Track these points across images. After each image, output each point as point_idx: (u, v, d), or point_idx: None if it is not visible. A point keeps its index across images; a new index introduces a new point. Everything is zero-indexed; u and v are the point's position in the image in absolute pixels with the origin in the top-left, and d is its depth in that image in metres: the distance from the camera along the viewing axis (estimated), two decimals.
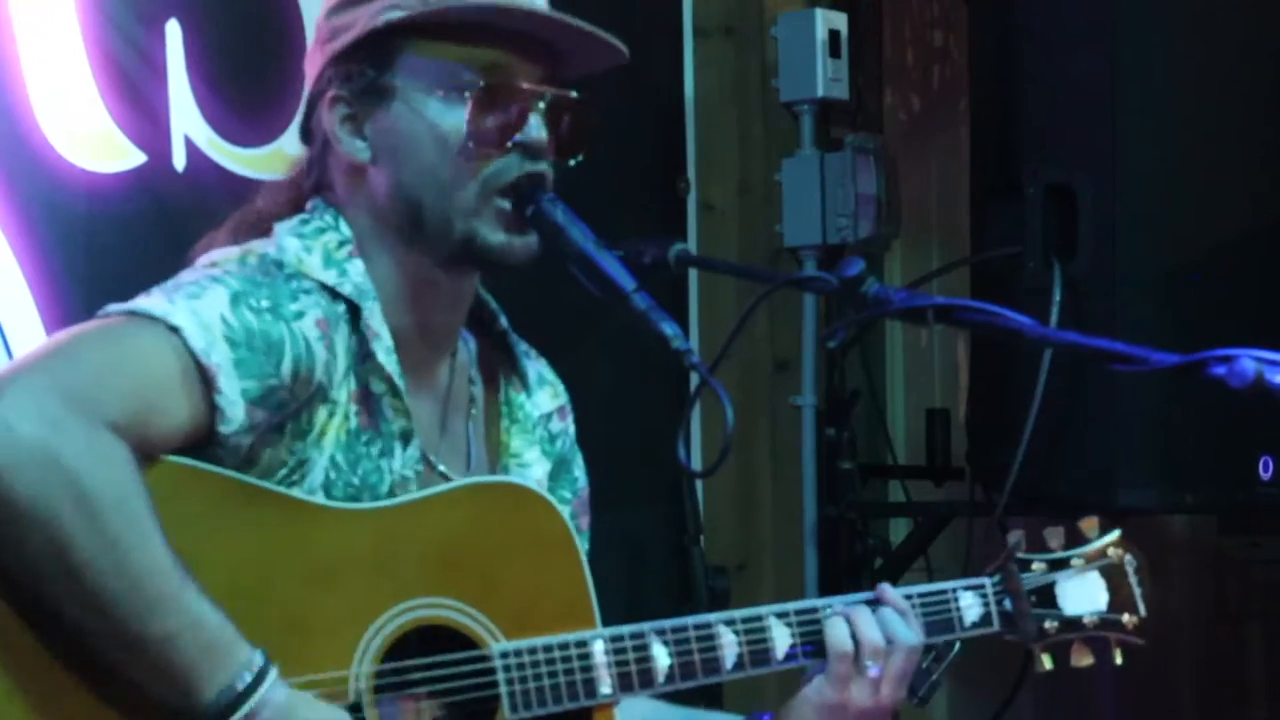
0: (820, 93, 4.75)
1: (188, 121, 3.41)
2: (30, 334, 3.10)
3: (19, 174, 3.16)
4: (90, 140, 3.26)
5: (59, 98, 3.22)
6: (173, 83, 3.39)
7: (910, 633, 2.45)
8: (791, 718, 2.45)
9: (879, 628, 2.44)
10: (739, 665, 2.39)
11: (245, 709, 2.06)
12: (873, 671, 2.42)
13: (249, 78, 3.48)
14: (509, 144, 2.31)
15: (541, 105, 2.33)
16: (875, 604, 2.47)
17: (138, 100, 3.34)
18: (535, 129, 2.32)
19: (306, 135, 2.43)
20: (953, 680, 4.17)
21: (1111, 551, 2.61)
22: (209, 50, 3.43)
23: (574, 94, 2.37)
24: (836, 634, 2.43)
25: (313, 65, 2.39)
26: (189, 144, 3.40)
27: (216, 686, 2.05)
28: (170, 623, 2.04)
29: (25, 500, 1.99)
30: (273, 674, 2.09)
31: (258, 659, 2.08)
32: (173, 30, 3.39)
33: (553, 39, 2.35)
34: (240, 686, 2.06)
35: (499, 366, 2.51)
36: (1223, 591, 5.37)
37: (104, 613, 2.02)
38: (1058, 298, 3.91)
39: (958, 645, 2.56)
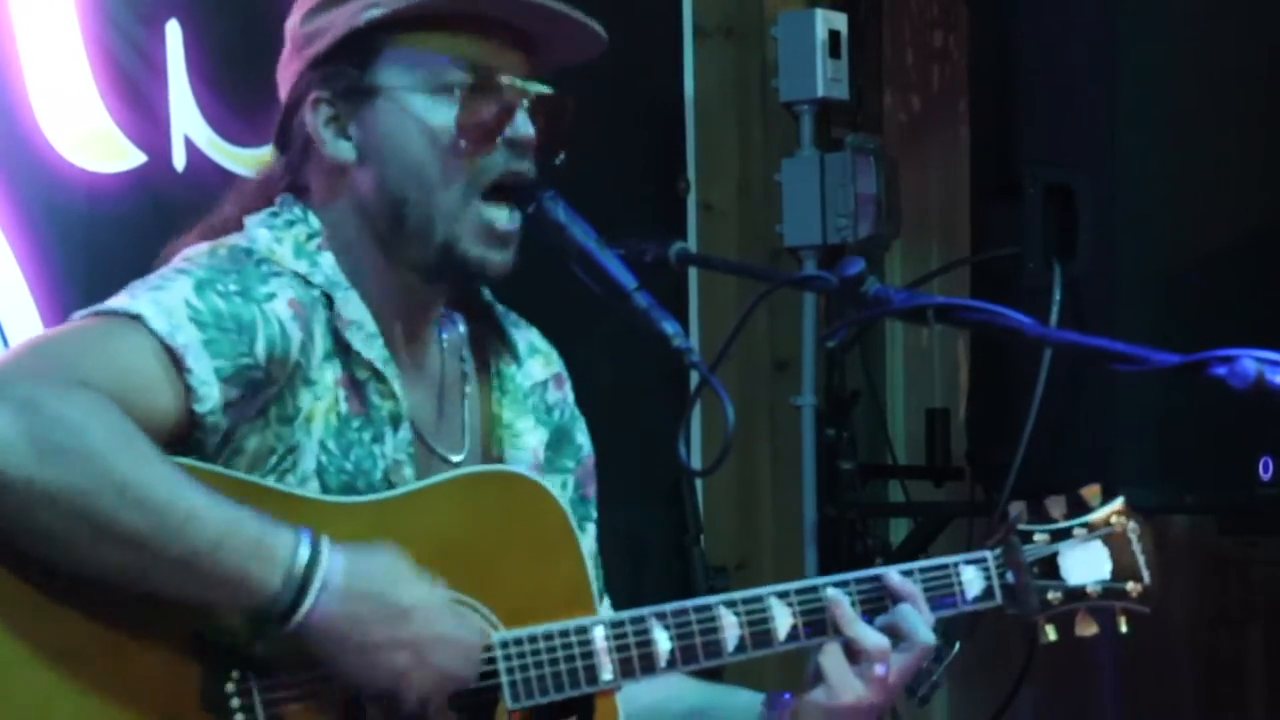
0: (820, 93, 4.75)
1: (188, 121, 3.41)
2: (30, 334, 3.09)
3: (19, 174, 3.16)
4: (90, 140, 3.26)
5: (59, 98, 3.22)
6: (173, 83, 3.39)
7: (928, 632, 2.42)
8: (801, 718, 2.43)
9: (882, 631, 2.41)
10: (740, 647, 2.38)
11: (314, 588, 2.08)
12: (879, 671, 2.40)
13: (249, 78, 3.46)
14: (498, 141, 2.31)
15: (527, 103, 2.33)
16: (884, 595, 2.45)
17: (138, 100, 3.34)
18: (523, 125, 2.32)
19: (282, 143, 2.42)
20: (953, 680, 4.17)
21: (1115, 520, 2.58)
22: (209, 50, 3.44)
23: (559, 92, 2.37)
24: (833, 663, 2.39)
25: (287, 73, 2.39)
26: (189, 144, 3.40)
27: (279, 573, 2.08)
28: (209, 531, 2.06)
29: (31, 484, 2.00)
30: (325, 545, 2.11)
31: (305, 536, 2.10)
32: (173, 30, 3.39)
33: (531, 27, 2.35)
34: (301, 565, 2.08)
35: (488, 342, 2.51)
36: (1223, 592, 5.37)
37: (144, 548, 2.04)
38: (1058, 298, 3.91)
39: (957, 645, 2.54)
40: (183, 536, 2.05)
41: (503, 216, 2.33)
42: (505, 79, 2.32)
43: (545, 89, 2.36)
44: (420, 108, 2.31)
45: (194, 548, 2.06)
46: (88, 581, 2.07)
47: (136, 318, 2.15)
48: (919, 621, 2.43)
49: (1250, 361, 2.08)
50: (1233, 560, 5.29)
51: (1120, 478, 3.87)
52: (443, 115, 2.30)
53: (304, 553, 2.09)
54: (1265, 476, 3.98)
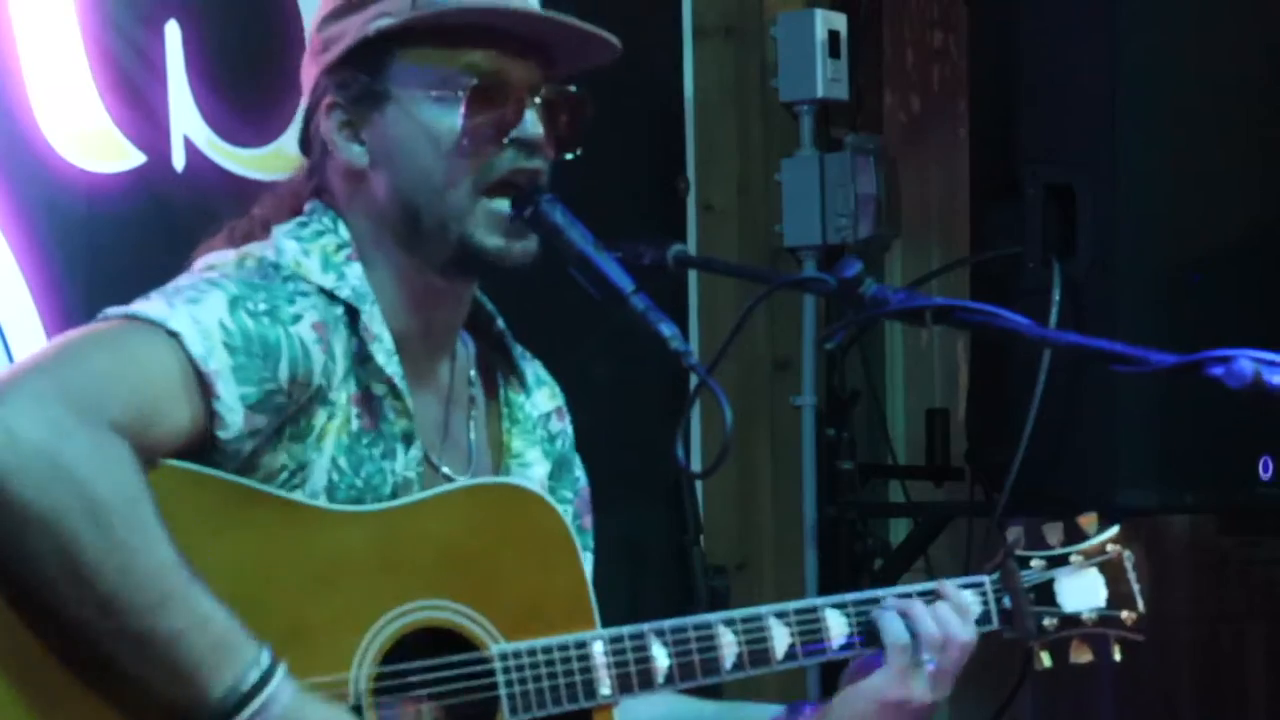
0: (820, 93, 4.75)
1: (187, 122, 3.41)
2: (30, 334, 3.09)
3: (19, 174, 3.16)
4: (90, 140, 3.26)
5: (59, 98, 3.22)
6: (172, 83, 3.39)
7: (967, 629, 2.44)
8: (846, 712, 2.43)
9: (934, 621, 2.43)
10: (738, 665, 2.38)
11: (253, 707, 2.06)
12: (930, 665, 2.41)
13: (249, 78, 3.48)
14: (505, 140, 2.31)
15: (537, 100, 2.33)
16: (931, 598, 2.47)
17: (137, 100, 3.34)
18: (531, 124, 2.32)
19: (305, 145, 2.43)
20: None
21: (1110, 548, 2.59)
22: (209, 50, 3.44)
23: (571, 88, 2.37)
24: (893, 627, 2.41)
25: (307, 77, 2.40)
26: (189, 144, 3.40)
27: (224, 684, 2.05)
28: (177, 620, 2.04)
29: (32, 505, 1.99)
30: (280, 672, 2.08)
31: (265, 657, 2.08)
32: (172, 30, 3.39)
33: (541, 37, 2.35)
34: (247, 685, 2.06)
35: (497, 368, 2.51)
36: (1223, 591, 5.37)
37: (111, 612, 2.02)
38: (1057, 298, 3.91)
39: None
40: (151, 614, 2.03)
41: (507, 207, 2.32)
42: (511, 80, 2.31)
43: (555, 86, 2.35)
44: (427, 113, 2.31)
45: (157, 629, 2.03)
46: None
47: (174, 335, 2.14)
48: (956, 619, 2.44)
49: (1247, 361, 2.08)
50: (1233, 560, 5.29)
51: (1120, 478, 3.89)
52: (449, 119, 2.30)
53: (254, 673, 2.06)
54: (1265, 476, 3.98)
